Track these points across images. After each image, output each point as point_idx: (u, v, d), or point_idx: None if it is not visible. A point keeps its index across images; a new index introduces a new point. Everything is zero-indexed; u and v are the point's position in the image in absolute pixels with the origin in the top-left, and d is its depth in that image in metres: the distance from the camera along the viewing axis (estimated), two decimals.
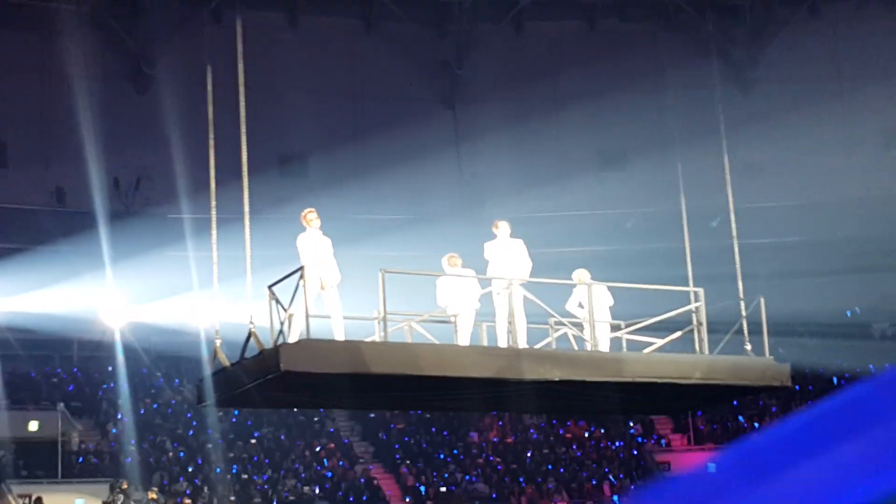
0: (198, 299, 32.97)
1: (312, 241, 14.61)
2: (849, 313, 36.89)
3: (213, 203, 14.84)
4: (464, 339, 14.97)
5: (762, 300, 15.33)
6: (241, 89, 14.64)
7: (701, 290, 15.47)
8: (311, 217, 14.71)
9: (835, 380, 36.51)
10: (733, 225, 16.25)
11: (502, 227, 15.60)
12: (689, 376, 14.93)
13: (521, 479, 33.66)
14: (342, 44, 36.00)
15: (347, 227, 25.82)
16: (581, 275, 15.90)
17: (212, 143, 14.99)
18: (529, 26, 36.02)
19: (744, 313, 15.43)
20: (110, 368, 35.57)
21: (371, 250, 28.01)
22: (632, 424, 36.35)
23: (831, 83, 34.75)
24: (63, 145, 34.16)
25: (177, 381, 36.45)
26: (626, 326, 15.74)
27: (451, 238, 29.68)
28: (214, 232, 14.76)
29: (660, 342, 15.40)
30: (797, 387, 30.20)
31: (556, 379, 14.33)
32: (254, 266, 14.73)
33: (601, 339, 15.55)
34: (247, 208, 14.60)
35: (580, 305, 15.63)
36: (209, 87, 15.16)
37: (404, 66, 36.13)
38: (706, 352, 15.43)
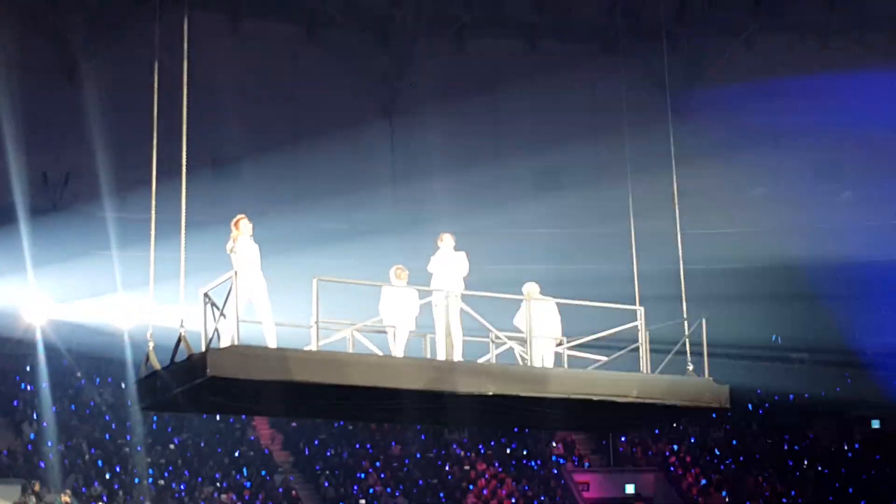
0: (122, 300, 32.58)
1: (246, 245, 14.49)
2: (774, 338, 37.54)
3: (154, 203, 14.58)
4: (399, 351, 14.89)
5: (703, 321, 15.42)
6: (185, 88, 14.44)
7: (642, 309, 15.54)
8: (242, 224, 14.58)
9: (749, 406, 37.11)
10: (679, 247, 16.33)
11: (447, 240, 15.59)
12: (626, 394, 14.95)
13: (442, 495, 33.60)
14: (283, 50, 35.77)
15: (280, 234, 25.68)
16: (530, 288, 15.91)
17: (155, 140, 14.75)
18: (471, 43, 36.10)
19: (686, 333, 15.49)
20: (28, 368, 34.90)
21: (304, 258, 27.82)
22: (554, 445, 36.50)
23: (763, 116, 35.24)
24: None
25: (98, 381, 35.84)
26: (569, 342, 15.75)
27: (384, 250, 29.68)
28: (153, 233, 14.51)
29: (603, 360, 15.44)
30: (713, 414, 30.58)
31: (490, 393, 14.31)
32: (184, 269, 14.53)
33: (545, 355, 15.55)
34: (184, 210, 14.40)
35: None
36: (155, 83, 14.91)
37: (344, 75, 35.99)
38: (648, 370, 15.49)
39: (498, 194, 33.90)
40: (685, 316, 15.63)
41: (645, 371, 15.55)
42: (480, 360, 15.35)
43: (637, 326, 15.59)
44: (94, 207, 34.01)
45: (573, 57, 35.59)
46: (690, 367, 15.61)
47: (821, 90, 34.46)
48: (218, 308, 13.92)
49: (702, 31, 35.33)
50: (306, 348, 14.13)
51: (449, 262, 15.36)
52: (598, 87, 34.65)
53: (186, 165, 14.70)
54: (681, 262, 16.28)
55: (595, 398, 14.98)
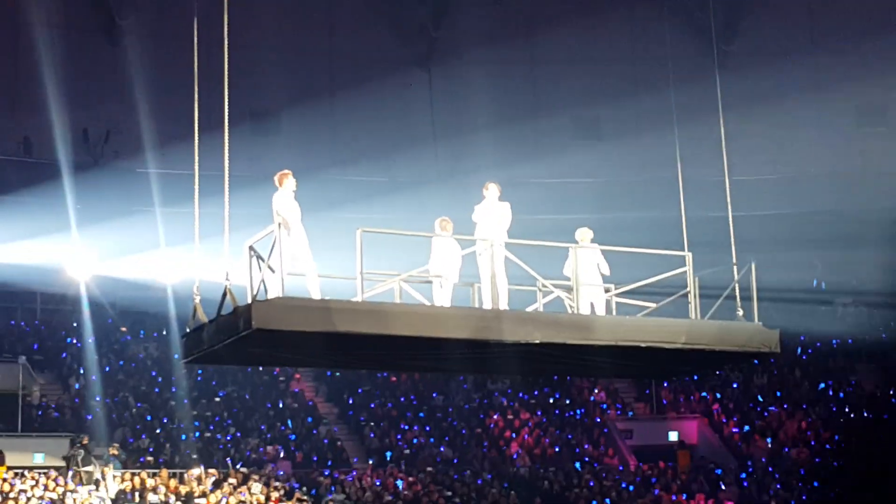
0: (165, 255, 32.84)
1: (289, 201, 14.51)
2: (815, 283, 37.33)
3: (197, 158, 14.62)
4: (445, 301, 14.88)
5: (753, 266, 15.30)
6: (226, 41, 14.40)
7: (690, 255, 15.44)
8: (286, 180, 14.59)
9: (798, 350, 36.96)
10: (728, 193, 16.14)
11: (492, 189, 15.48)
12: (676, 341, 14.87)
13: (485, 444, 33.76)
14: (319, 3, 35.64)
15: (320, 189, 25.69)
16: (583, 234, 15.83)
17: (196, 95, 14.76)
18: None
19: (736, 278, 15.38)
20: (75, 324, 35.30)
21: (344, 213, 27.86)
22: (596, 391, 36.55)
23: (807, 57, 34.76)
24: (31, 95, 33.67)
25: (142, 335, 36.21)
26: (617, 290, 15.68)
27: (425, 202, 29.67)
28: (197, 187, 14.57)
29: (652, 306, 15.34)
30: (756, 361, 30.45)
31: (537, 341, 14.27)
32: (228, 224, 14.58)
33: (595, 302, 15.50)
34: (227, 166, 14.41)
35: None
36: (195, 38, 14.90)
37: (381, 27, 35.82)
38: (698, 316, 15.41)
39: (538, 144, 33.75)
40: (734, 261, 15.50)
41: (694, 317, 15.46)
42: (528, 309, 15.29)
43: (685, 272, 15.49)
44: (134, 163, 34.22)
45: (611, 4, 35.20)
46: (740, 313, 15.49)
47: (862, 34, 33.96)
48: (263, 260, 13.97)
49: None
50: (352, 300, 14.16)
51: (494, 212, 15.29)
52: (639, 35, 34.30)
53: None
54: (729, 209, 16.10)
55: (644, 345, 14.88)
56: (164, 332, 34.67)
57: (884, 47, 34.12)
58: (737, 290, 15.41)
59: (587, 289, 15.33)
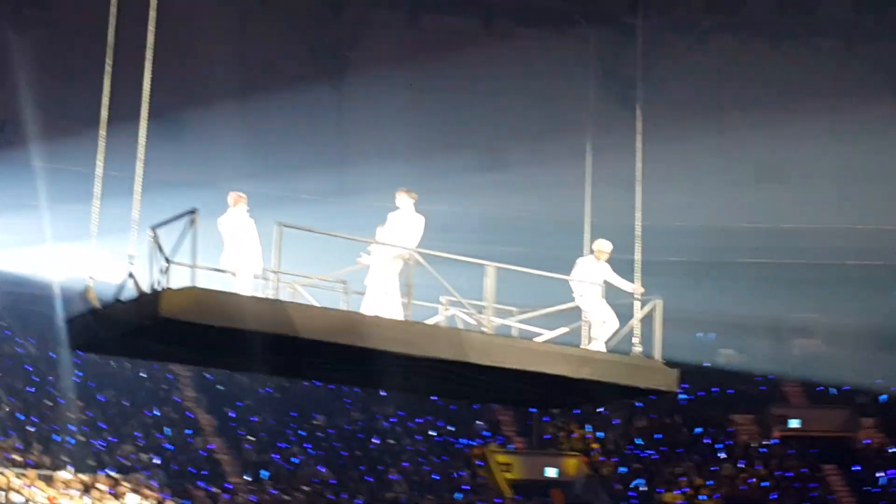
0: (54, 250, 32.04)
1: (239, 221, 14.31)
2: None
3: (101, 156, 14.19)
4: (369, 308, 14.60)
5: (659, 303, 15.21)
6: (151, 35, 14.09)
7: (596, 284, 15.39)
8: (240, 200, 14.45)
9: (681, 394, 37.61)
10: (638, 223, 16.10)
11: (407, 198, 15.19)
12: (575, 370, 14.71)
13: (363, 467, 33.52)
14: (234, 13, 35.37)
15: (221, 195, 25.31)
16: (600, 244, 15.58)
17: (108, 92, 14.38)
18: (425, 18, 35.97)
19: (638, 315, 15.28)
20: None
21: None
22: (480, 423, 36.61)
23: (712, 111, 35.63)
24: None
25: (21, 332, 35.19)
26: (521, 314, 15.46)
27: (323, 219, 29.42)
28: (101, 172, 14.14)
29: (552, 332, 15.19)
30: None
31: (444, 358, 14.06)
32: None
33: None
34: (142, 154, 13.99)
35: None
36: (110, 36, 14.54)
37: (294, 42, 35.70)
38: (598, 347, 15.37)
39: (445, 173, 33.82)
40: (637, 297, 15.42)
41: (594, 348, 15.41)
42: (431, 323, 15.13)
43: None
44: (30, 156, 33.44)
45: (526, 40, 35.62)
46: (639, 349, 15.43)
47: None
48: (164, 250, 13.31)
49: (656, 24, 35.48)
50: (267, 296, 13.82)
51: (408, 223, 15.03)
52: (548, 69, 34.74)
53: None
54: (637, 239, 16.11)
55: (543, 371, 14.67)
56: (46, 330, 33.71)
57: (782, 109, 35.20)
58: (637, 326, 15.37)
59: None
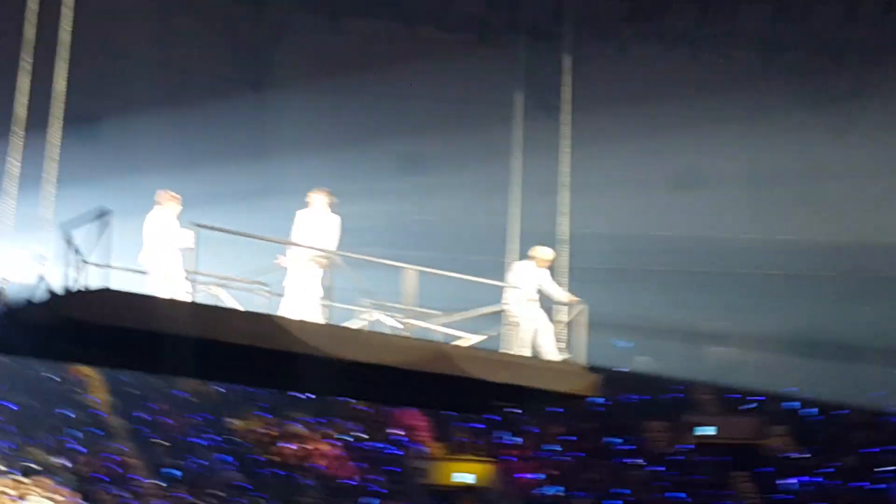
0: None
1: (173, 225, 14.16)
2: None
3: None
4: (288, 309, 14.52)
5: (586, 307, 15.30)
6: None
7: (520, 288, 15.43)
8: (171, 203, 14.29)
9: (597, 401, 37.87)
10: (565, 228, 16.22)
11: (319, 199, 15.15)
12: (494, 373, 14.76)
13: (280, 472, 33.30)
14: (154, 13, 34.82)
15: (142, 195, 24.95)
16: (542, 252, 15.56)
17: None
18: (348, 21, 35.74)
19: (565, 318, 15.39)
20: None
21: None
22: (394, 430, 36.53)
23: (630, 118, 35.85)
24: None
25: None
26: (442, 317, 15.46)
27: (244, 221, 29.12)
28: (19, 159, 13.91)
29: (472, 338, 15.22)
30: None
31: (362, 361, 14.05)
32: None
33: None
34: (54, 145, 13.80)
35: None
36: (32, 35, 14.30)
37: (216, 45, 35.29)
38: (520, 350, 15.42)
39: (365, 176, 33.73)
40: (563, 301, 15.50)
41: (515, 351, 15.47)
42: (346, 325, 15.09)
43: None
44: None
45: (448, 45, 35.57)
46: (566, 356, 15.50)
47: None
48: (77, 250, 13.16)
49: (579, 32, 35.63)
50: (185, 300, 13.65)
51: (321, 224, 14.94)
52: (472, 74, 34.74)
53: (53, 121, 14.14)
54: (566, 243, 16.23)
55: (460, 374, 14.75)
56: None
57: (699, 118, 35.57)
58: (563, 331, 15.42)
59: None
